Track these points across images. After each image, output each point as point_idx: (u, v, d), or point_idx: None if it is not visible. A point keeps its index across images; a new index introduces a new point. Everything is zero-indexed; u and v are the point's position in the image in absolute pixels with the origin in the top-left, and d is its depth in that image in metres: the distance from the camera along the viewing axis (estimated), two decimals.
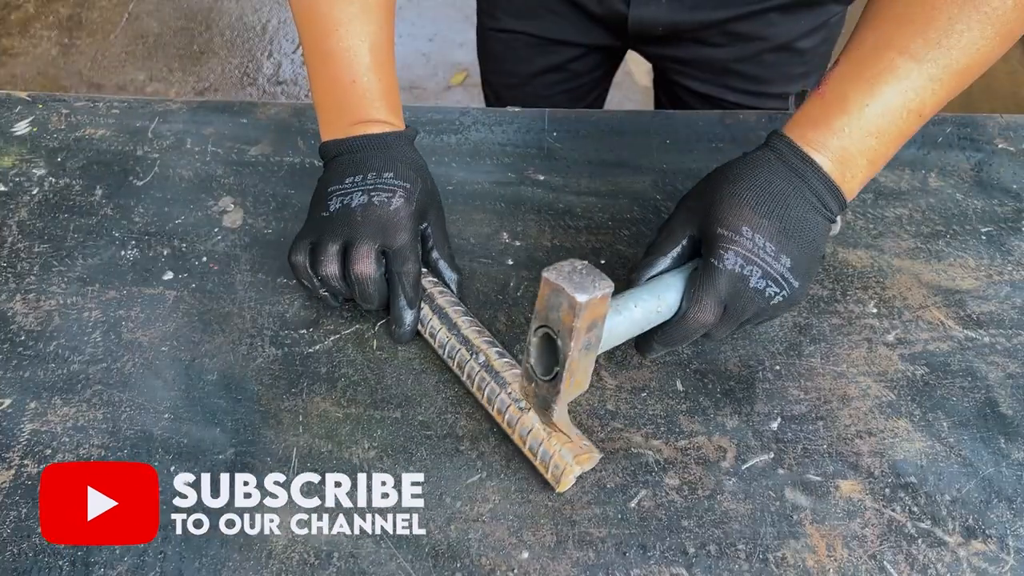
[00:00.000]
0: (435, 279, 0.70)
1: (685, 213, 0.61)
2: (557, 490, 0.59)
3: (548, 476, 0.59)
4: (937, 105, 0.58)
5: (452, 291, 0.69)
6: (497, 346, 0.65)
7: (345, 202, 0.65)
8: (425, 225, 0.69)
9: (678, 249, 0.61)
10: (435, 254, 0.70)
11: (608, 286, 0.49)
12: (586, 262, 0.50)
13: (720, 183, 0.60)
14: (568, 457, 0.58)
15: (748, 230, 0.57)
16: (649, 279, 0.60)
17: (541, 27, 0.98)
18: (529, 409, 0.60)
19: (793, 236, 0.57)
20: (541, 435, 0.59)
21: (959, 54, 0.56)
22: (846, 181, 0.59)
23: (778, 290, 0.57)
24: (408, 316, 0.67)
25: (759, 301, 0.57)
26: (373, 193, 0.65)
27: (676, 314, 0.58)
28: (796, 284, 0.58)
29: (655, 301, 0.57)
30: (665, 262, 0.60)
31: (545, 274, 0.49)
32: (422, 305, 0.67)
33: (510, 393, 0.61)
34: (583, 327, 0.49)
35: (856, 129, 0.58)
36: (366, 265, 0.64)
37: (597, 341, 0.52)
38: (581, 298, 0.47)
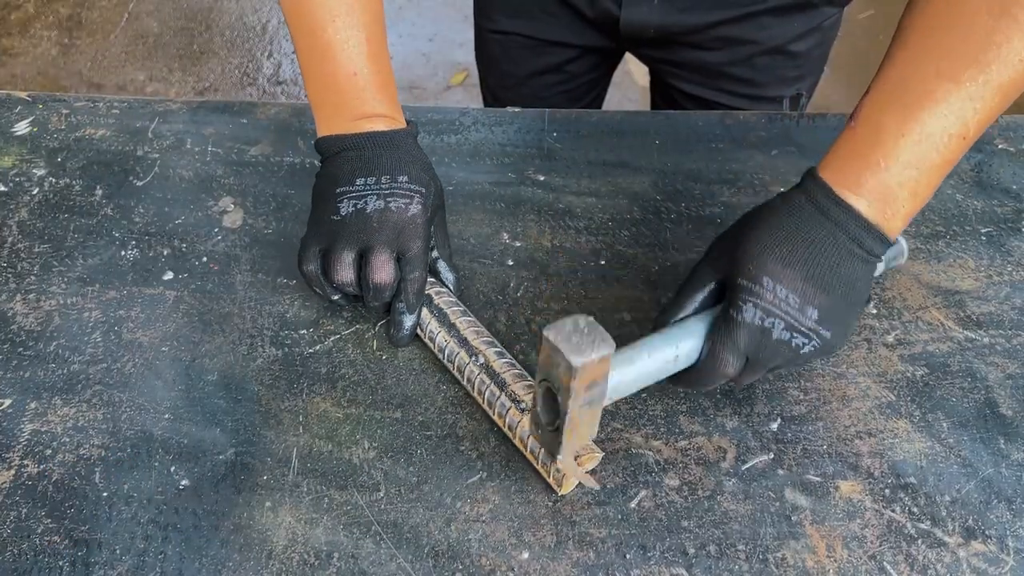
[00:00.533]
0: (433, 279, 0.70)
1: (713, 257, 0.59)
2: (560, 492, 0.59)
3: (550, 479, 0.59)
4: (981, 125, 0.55)
5: (451, 291, 0.69)
6: (497, 346, 0.65)
7: (359, 206, 0.63)
8: (432, 227, 0.68)
9: (704, 294, 0.58)
10: (435, 254, 0.70)
11: (608, 347, 0.48)
12: (590, 319, 0.49)
13: (748, 229, 0.57)
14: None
15: (769, 281, 0.54)
16: (675, 322, 0.58)
17: (536, 28, 0.98)
18: (529, 411, 0.60)
19: (822, 286, 0.54)
20: None
21: (1000, 68, 0.52)
22: (887, 219, 0.55)
23: (806, 340, 0.55)
24: (408, 321, 0.67)
25: (786, 352, 0.55)
26: (390, 199, 0.64)
27: (696, 361, 0.56)
28: (827, 334, 0.55)
29: (672, 350, 0.55)
30: (691, 306, 0.58)
31: (545, 332, 0.48)
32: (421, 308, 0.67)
33: (510, 395, 0.61)
34: (581, 388, 0.49)
35: (894, 162, 0.54)
36: (386, 274, 0.63)
37: (600, 397, 0.51)
38: (577, 362, 0.47)
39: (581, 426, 0.52)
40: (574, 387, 0.48)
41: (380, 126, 0.67)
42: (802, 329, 0.54)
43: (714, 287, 0.58)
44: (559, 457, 0.53)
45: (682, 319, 0.58)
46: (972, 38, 0.53)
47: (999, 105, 0.54)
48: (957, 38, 0.53)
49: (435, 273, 0.70)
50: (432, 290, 0.68)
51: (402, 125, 0.69)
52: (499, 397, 0.61)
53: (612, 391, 0.53)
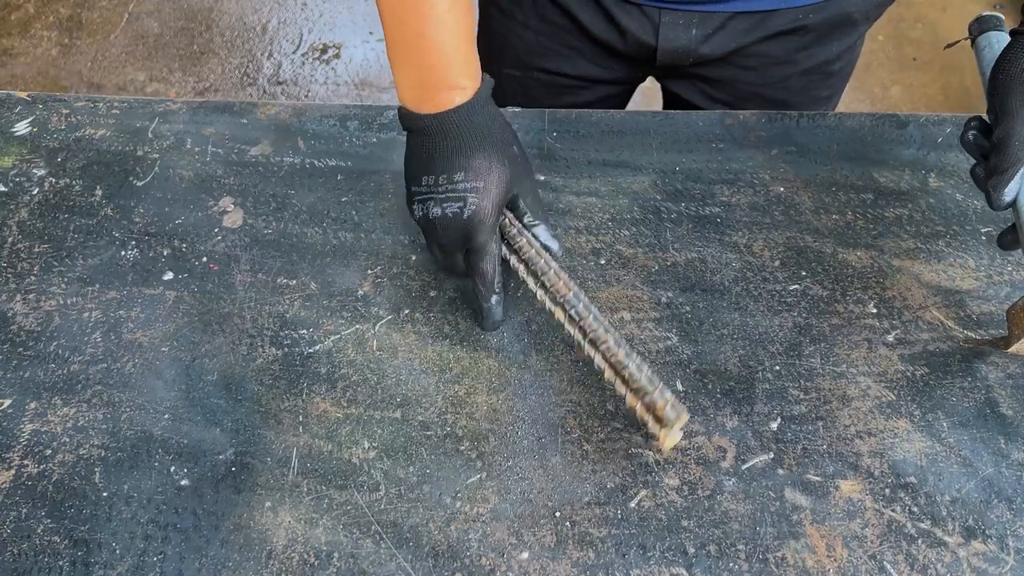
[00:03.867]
0: (538, 252, 0.67)
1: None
2: (665, 432, 0.57)
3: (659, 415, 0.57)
4: None
5: (552, 258, 0.67)
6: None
7: (424, 212, 0.65)
8: (515, 195, 0.67)
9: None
10: (528, 219, 0.68)
11: None
12: None
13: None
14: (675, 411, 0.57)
15: None
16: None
17: (559, 65, 0.94)
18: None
19: None
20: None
21: None
22: None
23: None
24: (488, 311, 0.68)
25: None
26: (445, 204, 0.64)
27: None
28: None
29: None
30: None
31: None
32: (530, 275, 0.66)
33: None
34: None
35: None
36: (459, 272, 0.68)
37: None
38: None
39: None
40: None
41: (446, 103, 0.65)
42: None
43: None
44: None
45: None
46: None
47: None
48: None
49: (534, 241, 0.68)
50: (541, 261, 0.66)
51: (473, 90, 0.65)
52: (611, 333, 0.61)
53: None
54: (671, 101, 1.02)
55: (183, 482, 0.61)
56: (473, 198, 0.64)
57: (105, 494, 0.60)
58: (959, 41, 0.78)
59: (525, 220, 0.68)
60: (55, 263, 0.74)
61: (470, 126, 0.65)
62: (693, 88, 0.95)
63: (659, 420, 0.57)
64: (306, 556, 0.57)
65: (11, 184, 0.81)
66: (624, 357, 0.60)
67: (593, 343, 0.61)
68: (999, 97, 0.62)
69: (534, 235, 0.68)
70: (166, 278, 0.73)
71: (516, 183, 0.67)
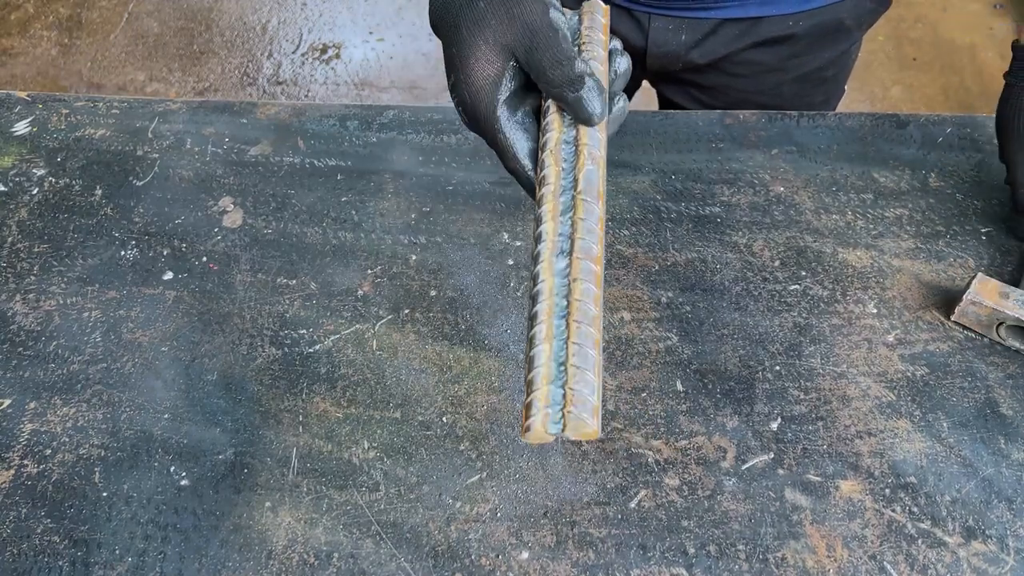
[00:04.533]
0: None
1: None
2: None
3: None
4: None
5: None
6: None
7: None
8: (527, 60, 0.52)
9: None
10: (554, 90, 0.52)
11: None
12: None
13: None
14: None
15: None
16: None
17: None
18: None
19: None
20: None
21: None
22: None
23: None
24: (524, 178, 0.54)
25: None
26: (457, 107, 0.54)
27: None
28: None
29: None
30: None
31: None
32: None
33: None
34: None
35: None
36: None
37: None
38: None
39: None
40: None
41: None
42: None
43: None
44: None
45: None
46: None
47: None
48: None
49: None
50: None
51: None
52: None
53: None
54: (666, 107, 1.03)
55: (183, 482, 0.61)
56: (456, 97, 0.54)
57: (105, 494, 0.60)
58: None
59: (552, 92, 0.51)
60: (55, 263, 0.74)
61: None
62: (686, 94, 0.95)
63: (526, 412, 0.46)
64: (306, 556, 0.57)
65: (11, 184, 0.81)
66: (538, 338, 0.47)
67: (532, 300, 0.49)
68: (1003, 143, 0.69)
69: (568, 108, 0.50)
70: (166, 278, 0.73)
71: (518, 42, 0.51)
